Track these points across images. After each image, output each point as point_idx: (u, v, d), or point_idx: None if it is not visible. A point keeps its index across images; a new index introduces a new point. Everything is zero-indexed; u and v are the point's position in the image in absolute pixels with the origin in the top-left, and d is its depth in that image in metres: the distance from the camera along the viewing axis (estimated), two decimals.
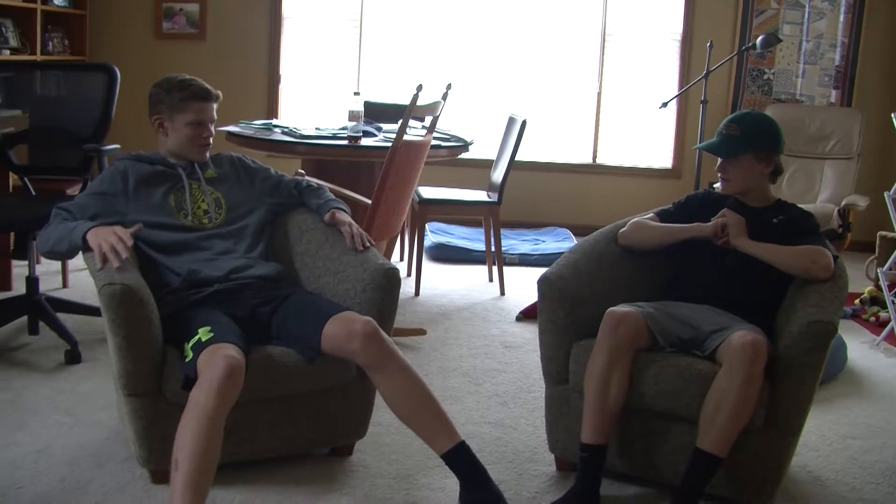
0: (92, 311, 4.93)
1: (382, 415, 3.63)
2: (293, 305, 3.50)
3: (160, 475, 3.29)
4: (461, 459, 3.25)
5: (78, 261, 5.61)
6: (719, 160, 3.71)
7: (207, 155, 3.83)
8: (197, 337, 3.14)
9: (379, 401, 3.47)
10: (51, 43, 7.87)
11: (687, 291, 3.65)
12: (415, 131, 5.81)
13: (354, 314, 3.36)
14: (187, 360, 3.11)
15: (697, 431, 3.20)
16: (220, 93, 3.80)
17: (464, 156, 6.36)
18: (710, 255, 3.66)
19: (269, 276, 3.63)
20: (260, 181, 3.93)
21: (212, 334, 3.14)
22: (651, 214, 3.92)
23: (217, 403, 2.94)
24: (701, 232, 3.67)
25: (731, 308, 3.52)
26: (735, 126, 3.70)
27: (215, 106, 3.78)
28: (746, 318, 3.44)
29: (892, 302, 5.59)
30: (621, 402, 3.33)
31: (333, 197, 3.97)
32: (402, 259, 6.99)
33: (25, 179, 5.31)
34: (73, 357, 4.54)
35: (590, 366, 3.36)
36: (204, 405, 2.93)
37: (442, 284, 6.59)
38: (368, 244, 3.72)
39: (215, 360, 3.01)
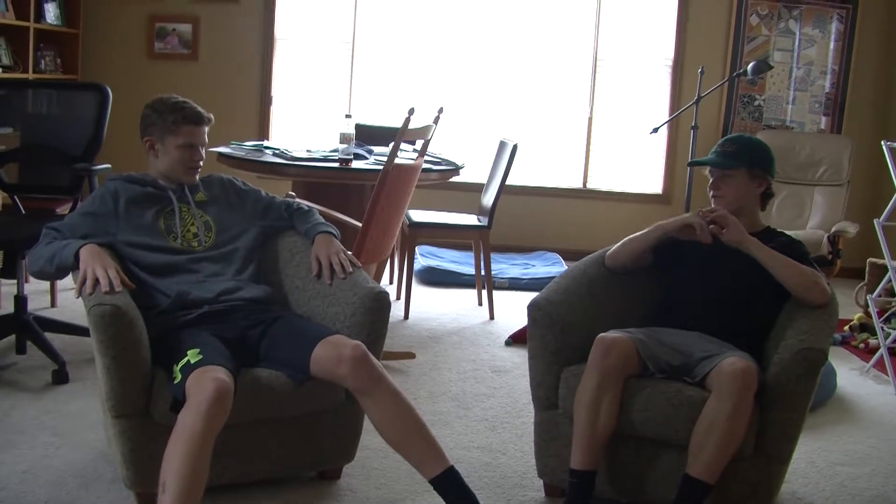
0: (80, 331, 4.92)
1: (371, 438, 3.62)
2: (282, 328, 3.49)
3: (147, 497, 3.26)
4: (450, 485, 3.23)
5: (67, 281, 5.58)
6: (711, 179, 3.73)
7: (197, 178, 3.83)
8: (186, 359, 3.12)
9: (367, 424, 3.45)
10: (43, 61, 7.88)
11: (676, 317, 3.64)
12: (406, 154, 5.81)
13: (344, 338, 3.35)
14: (176, 381, 3.09)
15: (687, 458, 3.19)
16: (211, 116, 3.80)
17: (454, 179, 6.36)
18: (698, 281, 3.67)
19: (259, 299, 3.62)
20: (251, 203, 3.92)
21: (201, 356, 3.12)
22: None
23: (205, 426, 2.93)
24: (684, 221, 3.67)
25: (721, 334, 3.51)
26: (730, 144, 3.74)
27: (206, 129, 3.78)
28: (736, 344, 3.44)
29: (882, 328, 5.60)
30: (611, 428, 3.32)
31: (322, 220, 3.95)
32: (391, 282, 6.98)
33: (15, 198, 5.29)
34: (60, 377, 4.51)
35: (580, 391, 3.36)
36: (192, 428, 2.92)
37: (431, 308, 6.58)
38: (350, 269, 3.69)
39: (204, 382, 2.99)
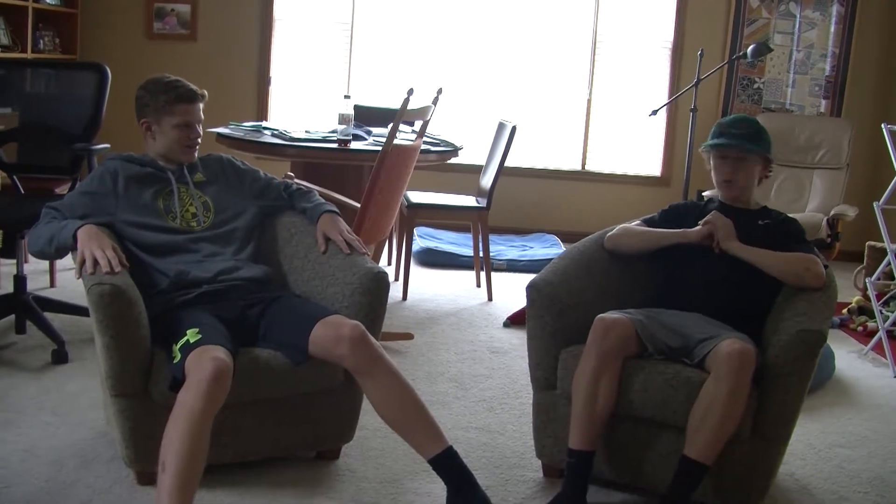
0: (79, 310, 4.92)
1: (369, 419, 3.62)
2: (281, 308, 3.49)
3: (146, 476, 3.28)
4: (448, 464, 3.24)
5: (66, 261, 5.58)
6: (721, 163, 3.72)
7: (196, 156, 3.81)
8: (185, 338, 3.13)
9: (366, 405, 3.46)
10: (42, 41, 7.85)
11: (675, 299, 3.65)
12: (405, 135, 5.81)
13: (343, 318, 3.35)
14: (175, 361, 3.10)
15: (685, 439, 3.20)
16: (205, 92, 3.78)
17: (453, 161, 6.36)
18: (697, 262, 3.67)
19: (258, 279, 3.62)
20: (249, 183, 3.92)
21: (200, 336, 3.13)
22: (638, 222, 3.92)
23: (204, 406, 2.93)
24: (686, 237, 3.69)
25: (720, 316, 3.52)
26: (745, 125, 3.72)
27: (201, 106, 3.76)
28: (735, 325, 3.45)
29: (881, 311, 5.61)
30: (609, 409, 3.33)
31: (323, 201, 3.94)
32: (389, 263, 6.98)
33: (14, 178, 5.29)
34: (59, 357, 4.52)
35: (578, 372, 3.36)
36: (191, 407, 2.93)
37: (429, 289, 6.59)
38: (364, 250, 3.72)
39: (203, 362, 3.00)
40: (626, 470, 3.46)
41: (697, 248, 3.68)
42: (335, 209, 3.88)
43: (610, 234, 3.89)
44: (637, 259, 3.85)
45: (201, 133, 3.78)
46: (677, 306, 3.61)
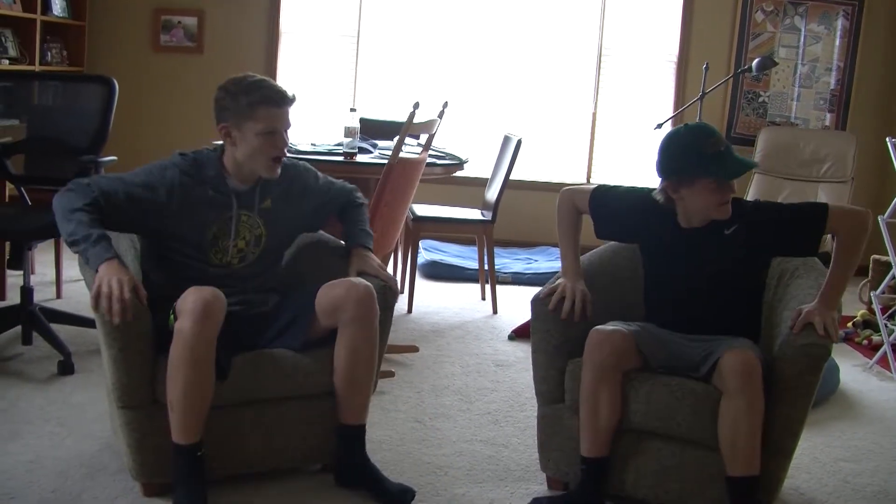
0: (86, 322, 4.93)
1: (375, 431, 3.64)
2: (279, 308, 3.55)
3: (152, 488, 3.29)
4: (353, 439, 3.40)
5: (73, 272, 5.62)
6: (726, 186, 3.38)
7: (279, 172, 3.47)
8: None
9: (371, 418, 3.47)
10: (49, 53, 7.88)
11: (664, 315, 3.60)
12: (410, 149, 5.82)
13: (355, 279, 3.43)
14: (171, 323, 3.12)
15: (724, 462, 3.19)
16: (295, 94, 3.47)
17: (458, 174, 6.37)
18: (678, 272, 3.54)
19: (265, 312, 3.57)
20: (311, 203, 3.69)
21: None
22: (591, 189, 3.76)
23: (200, 328, 2.99)
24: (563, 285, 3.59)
25: (712, 327, 3.48)
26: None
27: (290, 110, 3.44)
28: (731, 329, 3.44)
29: (885, 325, 5.61)
30: (615, 421, 3.33)
31: (365, 226, 3.76)
32: (394, 276, 6.98)
33: (21, 189, 5.31)
34: (66, 368, 4.53)
35: (581, 385, 3.37)
36: (187, 332, 3.00)
37: (435, 302, 6.59)
38: (396, 288, 3.64)
39: (190, 294, 3.06)
40: (629, 483, 3.44)
41: (670, 261, 3.55)
42: (369, 238, 3.73)
43: (566, 197, 3.82)
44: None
45: (289, 141, 3.47)
46: (668, 324, 3.56)
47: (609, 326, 3.43)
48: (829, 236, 3.40)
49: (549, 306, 3.53)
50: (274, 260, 3.67)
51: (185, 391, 3.04)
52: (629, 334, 3.40)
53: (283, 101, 3.38)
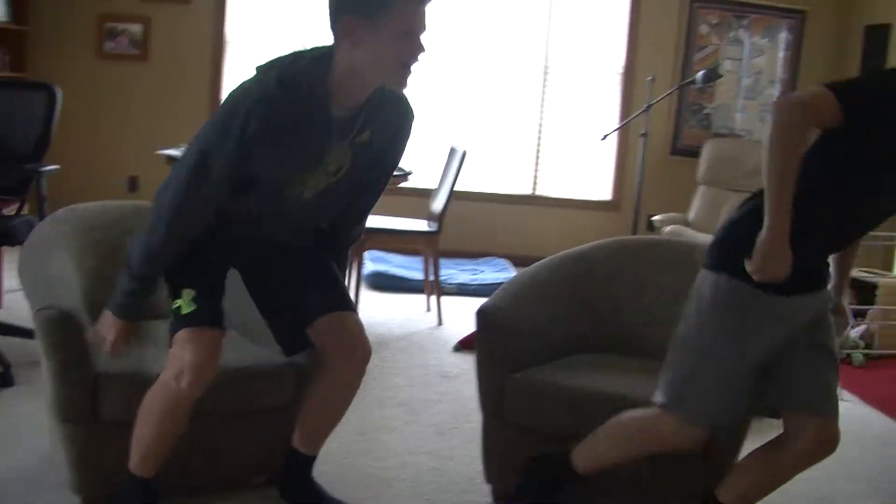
0: (26, 333, 4.86)
1: (325, 442, 3.61)
2: (296, 275, 3.26)
3: (92, 502, 3.25)
4: (301, 468, 3.39)
5: (12, 282, 5.54)
6: None
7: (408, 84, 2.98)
8: (180, 303, 2.94)
9: None
10: None
11: (828, 241, 2.93)
12: None
13: (357, 327, 3.39)
14: (171, 317, 3.01)
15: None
16: None
17: (404, 185, 6.38)
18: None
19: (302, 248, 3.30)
20: (389, 157, 3.34)
21: (194, 307, 2.93)
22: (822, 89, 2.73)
23: (190, 392, 2.91)
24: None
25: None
26: None
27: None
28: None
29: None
30: None
31: (358, 237, 3.67)
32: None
33: None
34: (5, 380, 4.46)
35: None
36: (178, 392, 2.92)
37: (379, 313, 6.59)
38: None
39: (188, 347, 2.90)
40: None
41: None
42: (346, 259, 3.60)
43: (792, 106, 2.76)
44: (587, 283, 3.84)
45: (425, 48, 2.89)
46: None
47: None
48: None
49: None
50: (339, 199, 3.20)
51: (159, 433, 2.98)
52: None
53: None
